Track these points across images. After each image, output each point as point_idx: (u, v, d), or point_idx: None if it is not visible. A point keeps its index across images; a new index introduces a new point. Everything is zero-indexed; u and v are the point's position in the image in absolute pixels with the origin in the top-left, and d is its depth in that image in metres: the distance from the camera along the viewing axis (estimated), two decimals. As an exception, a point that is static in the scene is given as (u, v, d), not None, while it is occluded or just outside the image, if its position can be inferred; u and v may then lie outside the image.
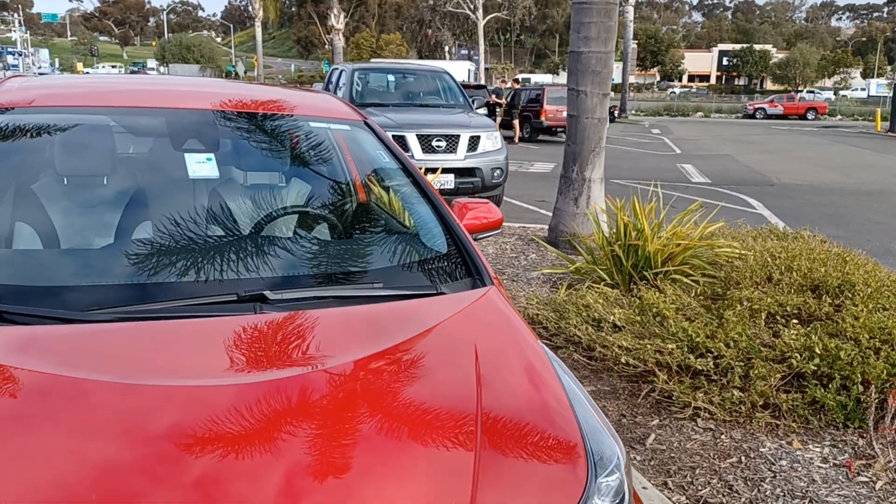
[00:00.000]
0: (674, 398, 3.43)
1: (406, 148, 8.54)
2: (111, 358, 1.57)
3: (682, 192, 11.48)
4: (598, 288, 4.86)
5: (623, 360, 3.67)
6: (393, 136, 8.59)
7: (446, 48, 70.41)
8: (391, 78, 10.48)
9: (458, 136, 8.72)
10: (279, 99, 2.79)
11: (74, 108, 2.35)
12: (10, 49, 77.29)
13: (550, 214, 7.05)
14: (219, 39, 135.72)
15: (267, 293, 1.80)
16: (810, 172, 15.19)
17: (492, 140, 8.98)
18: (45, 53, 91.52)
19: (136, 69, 70.22)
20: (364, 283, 2.01)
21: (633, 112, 42.62)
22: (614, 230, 5.26)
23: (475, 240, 2.65)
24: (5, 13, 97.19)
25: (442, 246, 2.26)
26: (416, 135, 8.56)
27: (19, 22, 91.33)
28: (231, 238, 2.16)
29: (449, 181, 8.56)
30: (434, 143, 8.62)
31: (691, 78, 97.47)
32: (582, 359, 3.95)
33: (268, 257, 2.03)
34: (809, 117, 45.03)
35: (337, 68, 10.88)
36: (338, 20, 26.74)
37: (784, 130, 32.81)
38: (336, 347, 1.70)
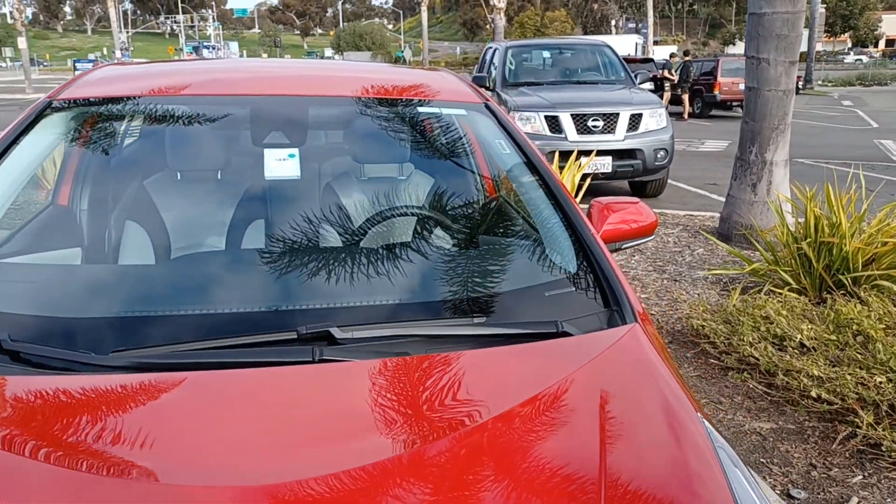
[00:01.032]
0: (883, 448, 2.66)
1: (560, 129, 7.93)
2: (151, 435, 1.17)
3: (884, 173, 9.91)
4: (780, 294, 4.05)
5: (814, 394, 2.92)
6: (546, 117, 8.02)
7: (612, 22, 67.68)
8: (546, 55, 9.84)
9: (617, 114, 7.97)
10: (384, 80, 2.37)
11: (150, 97, 2.06)
12: (205, 43, 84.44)
13: (723, 201, 6.18)
14: (390, 26, 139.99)
15: (335, 331, 1.38)
16: None
17: (655, 118, 8.13)
18: (234, 46, 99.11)
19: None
20: (460, 318, 1.53)
21: (820, 82, 38.54)
22: (802, 223, 4.39)
23: (620, 248, 2.09)
24: (203, 10, 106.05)
25: (570, 265, 1.74)
26: (571, 114, 7.91)
27: (213, 18, 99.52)
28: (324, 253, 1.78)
29: (606, 164, 7.86)
30: (590, 123, 7.94)
31: (889, 43, 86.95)
32: (759, 387, 3.23)
33: (339, 281, 1.61)
34: None
35: (491, 47, 10.43)
36: (499, -1, 26.21)
37: None
38: (417, 420, 1.25)
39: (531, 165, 2.00)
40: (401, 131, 2.16)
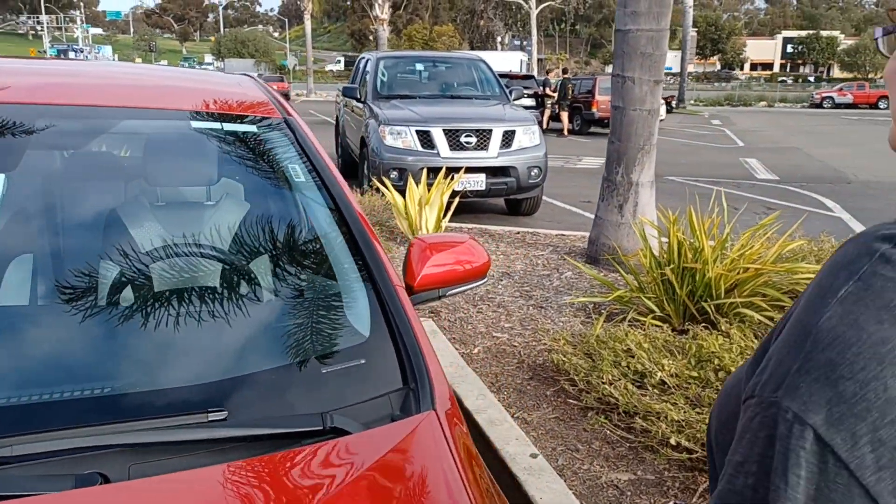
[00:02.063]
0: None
1: (432, 145, 7.65)
2: None
3: (747, 192, 10.29)
4: (643, 323, 3.87)
5: (673, 442, 2.70)
6: (418, 132, 7.71)
7: (498, 39, 69.09)
8: (420, 67, 9.57)
9: (491, 130, 7.78)
10: (161, 86, 1.92)
11: None
12: (73, 46, 79.40)
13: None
14: (276, 34, 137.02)
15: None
16: (893, 168, 13.70)
17: (529, 135, 8.00)
18: (107, 50, 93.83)
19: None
20: (189, 414, 1.11)
21: (692, 102, 40.72)
22: (666, 247, 4.25)
23: (443, 296, 1.74)
24: (73, 11, 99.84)
25: (362, 328, 1.37)
26: (443, 129, 7.65)
27: (81, 19, 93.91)
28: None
29: (480, 182, 7.64)
30: (463, 139, 7.70)
31: (753, 66, 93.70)
32: (618, 431, 2.98)
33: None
34: (882, 106, 42.31)
35: (364, 57, 10.05)
36: (382, 10, 25.91)
37: (855, 121, 30.67)
38: None
39: (329, 196, 1.62)
40: (160, 151, 1.73)
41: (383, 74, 9.07)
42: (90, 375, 1.20)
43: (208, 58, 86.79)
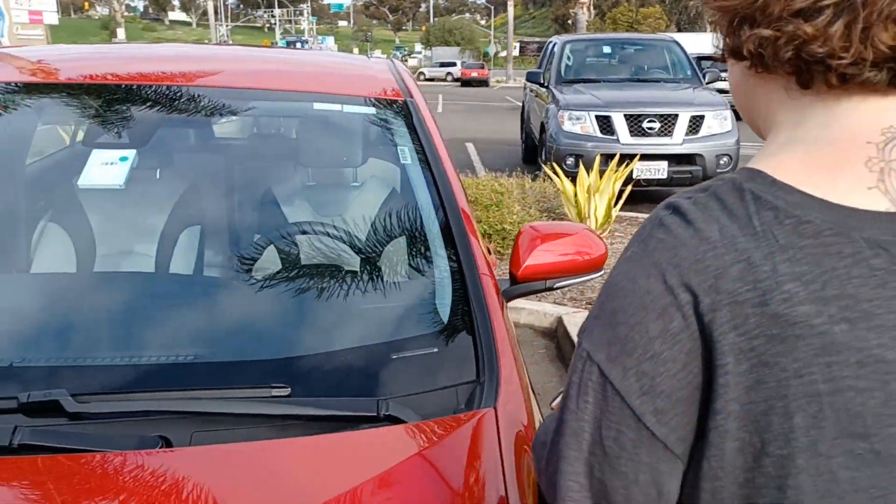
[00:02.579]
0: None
1: (612, 130, 7.40)
2: None
3: None
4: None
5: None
6: (598, 117, 7.48)
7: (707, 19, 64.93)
8: (607, 50, 9.27)
9: (676, 115, 7.36)
10: (283, 68, 2.02)
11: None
12: (300, 38, 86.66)
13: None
14: (483, 22, 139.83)
15: (67, 401, 1.05)
16: None
17: (720, 120, 7.47)
18: (330, 40, 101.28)
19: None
20: (255, 388, 1.16)
21: None
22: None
23: (552, 288, 1.68)
24: (301, 4, 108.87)
25: (440, 317, 1.36)
26: (624, 114, 7.36)
27: (308, 12, 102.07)
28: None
29: (662, 169, 7.28)
30: (645, 125, 7.36)
31: None
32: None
33: (87, 325, 1.28)
34: None
35: (552, 41, 9.93)
36: (583, -7, 25.51)
37: None
38: None
39: (432, 180, 1.60)
40: (278, 133, 1.82)
41: (568, 59, 8.90)
42: (171, 343, 1.28)
43: (418, 47, 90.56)
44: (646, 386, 0.63)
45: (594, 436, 0.66)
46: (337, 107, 1.82)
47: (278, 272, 1.45)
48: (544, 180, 6.91)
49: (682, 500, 0.68)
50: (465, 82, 40.04)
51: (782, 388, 0.59)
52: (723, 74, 10.75)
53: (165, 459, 1.01)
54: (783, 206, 0.61)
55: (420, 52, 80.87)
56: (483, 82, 39.66)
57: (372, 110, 1.83)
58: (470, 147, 12.11)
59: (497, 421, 1.14)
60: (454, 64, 47.64)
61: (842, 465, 0.60)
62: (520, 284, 1.62)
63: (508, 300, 1.62)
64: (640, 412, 0.63)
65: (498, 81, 41.45)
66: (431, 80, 44.64)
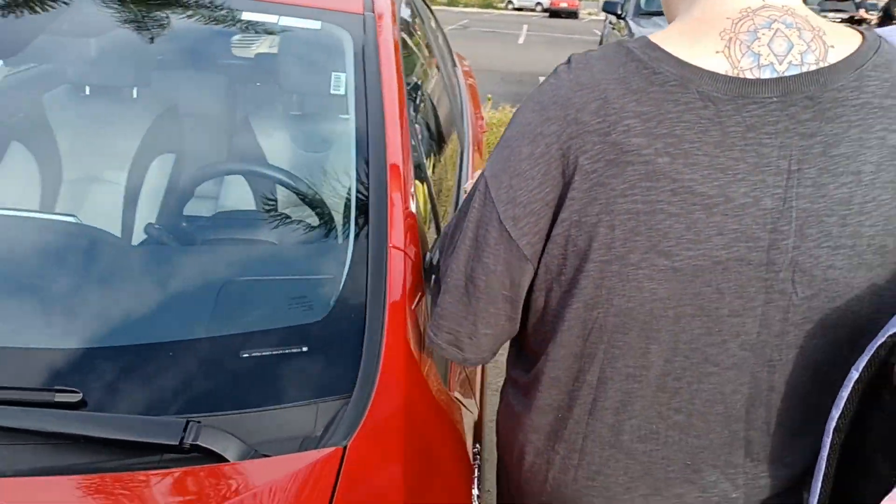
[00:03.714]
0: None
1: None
2: None
3: None
4: None
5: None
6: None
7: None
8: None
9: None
10: None
11: None
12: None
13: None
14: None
15: None
16: None
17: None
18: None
19: None
20: (37, 392, 0.86)
21: None
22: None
23: None
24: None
25: (321, 308, 1.02)
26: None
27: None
28: None
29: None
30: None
31: None
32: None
33: None
34: None
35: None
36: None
37: None
38: None
39: (362, 123, 1.25)
40: (207, 51, 1.58)
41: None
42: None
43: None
44: (510, 196, 0.77)
45: (474, 232, 0.81)
46: (272, 18, 1.50)
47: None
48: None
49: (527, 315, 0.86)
50: (554, 13, 38.55)
51: (610, 204, 0.72)
52: (835, 17, 9.83)
53: None
54: (646, 60, 0.72)
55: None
56: (572, 14, 38.05)
57: (312, 25, 1.49)
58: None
59: (340, 467, 0.81)
60: (545, -7, 45.84)
61: (646, 277, 0.73)
62: None
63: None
64: (504, 217, 0.78)
65: (589, 14, 39.76)
66: (520, 9, 43.11)
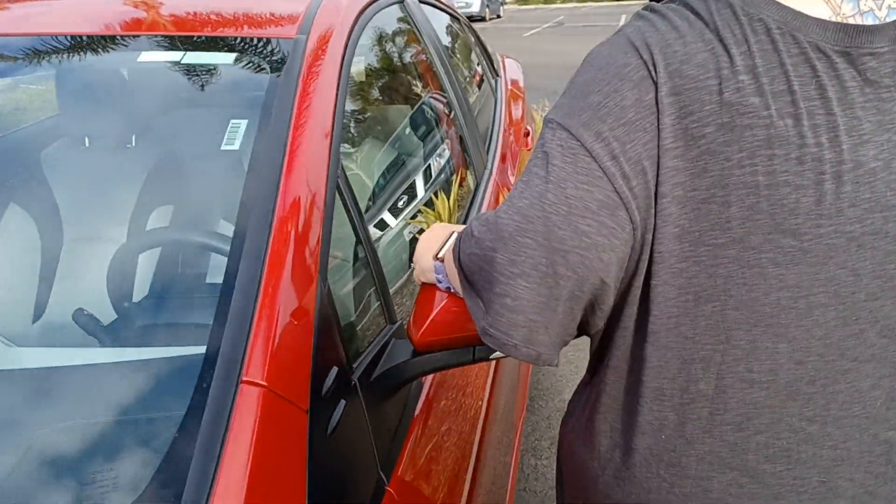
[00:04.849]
0: None
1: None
2: None
3: None
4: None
5: None
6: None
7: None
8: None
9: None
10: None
11: None
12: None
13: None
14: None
15: None
16: None
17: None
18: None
19: None
20: None
21: None
22: None
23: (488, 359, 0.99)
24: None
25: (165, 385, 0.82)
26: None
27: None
28: None
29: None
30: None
31: None
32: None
33: None
34: None
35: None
36: None
37: None
38: None
39: (249, 189, 0.95)
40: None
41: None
42: None
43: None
44: (616, 150, 0.63)
45: (558, 196, 0.64)
46: (175, 56, 1.21)
47: None
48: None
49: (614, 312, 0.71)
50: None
51: (725, 176, 0.61)
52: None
53: None
54: (739, 4, 0.63)
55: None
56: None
57: (226, 58, 1.20)
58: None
59: None
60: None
61: (771, 261, 0.62)
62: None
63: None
64: (611, 173, 0.63)
65: (643, -2, 38.66)
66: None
